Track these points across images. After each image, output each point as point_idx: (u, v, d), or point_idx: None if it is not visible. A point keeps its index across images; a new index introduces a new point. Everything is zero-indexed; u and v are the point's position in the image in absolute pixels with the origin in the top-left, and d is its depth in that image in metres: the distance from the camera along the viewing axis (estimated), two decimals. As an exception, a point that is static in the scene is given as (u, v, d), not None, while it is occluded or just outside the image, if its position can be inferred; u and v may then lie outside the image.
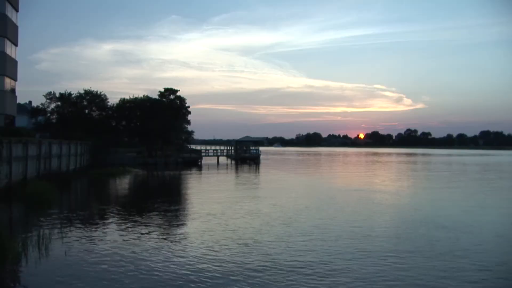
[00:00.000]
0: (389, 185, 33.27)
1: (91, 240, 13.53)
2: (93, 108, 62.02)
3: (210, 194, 26.33)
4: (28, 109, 65.65)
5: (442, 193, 28.36)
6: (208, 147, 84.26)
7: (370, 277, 10.15)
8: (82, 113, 60.08)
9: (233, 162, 70.36)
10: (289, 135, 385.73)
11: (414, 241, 13.81)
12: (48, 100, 59.88)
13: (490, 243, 13.84)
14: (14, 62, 42.22)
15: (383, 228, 16.19)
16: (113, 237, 13.89)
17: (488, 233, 15.45)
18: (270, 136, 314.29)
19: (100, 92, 62.48)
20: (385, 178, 40.30)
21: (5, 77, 39.86)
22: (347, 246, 13.10)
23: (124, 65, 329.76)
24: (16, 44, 42.63)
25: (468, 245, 13.43)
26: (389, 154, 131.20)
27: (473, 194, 27.91)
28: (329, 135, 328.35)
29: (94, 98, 61.44)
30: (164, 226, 16.18)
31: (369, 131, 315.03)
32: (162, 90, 66.52)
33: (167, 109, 63.77)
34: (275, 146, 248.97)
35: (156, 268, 10.52)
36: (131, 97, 65.13)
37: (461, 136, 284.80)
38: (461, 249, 12.79)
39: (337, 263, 11.20)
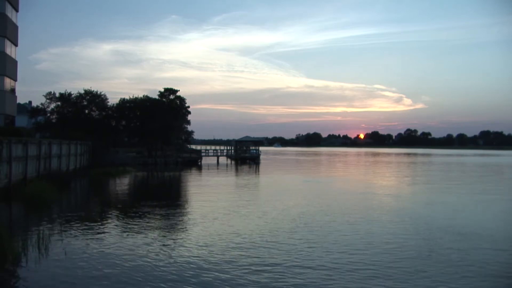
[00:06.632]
0: (396, 187, 33.22)
1: (91, 240, 13.52)
2: (93, 108, 61.91)
3: (210, 194, 26.29)
4: (28, 109, 65.67)
5: (453, 194, 28.33)
6: (208, 147, 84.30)
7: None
8: (82, 113, 59.99)
9: (233, 162, 70.39)
10: (289, 135, 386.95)
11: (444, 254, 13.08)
12: (48, 100, 59.79)
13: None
14: (14, 62, 42.24)
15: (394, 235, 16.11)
16: (113, 237, 13.89)
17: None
18: (270, 136, 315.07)
19: (100, 92, 62.44)
20: (389, 179, 40.27)
21: (5, 77, 39.90)
22: (362, 257, 12.36)
23: (124, 65, 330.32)
24: (16, 44, 42.66)
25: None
26: (390, 154, 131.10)
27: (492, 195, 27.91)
28: (329, 135, 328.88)
29: (94, 98, 61.36)
30: (164, 227, 16.17)
31: (369, 131, 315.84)
32: (162, 90, 66.49)
33: (167, 109, 63.72)
34: (275, 146, 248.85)
35: (157, 268, 10.52)
36: (131, 97, 65.13)
37: (461, 136, 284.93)
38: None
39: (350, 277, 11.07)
